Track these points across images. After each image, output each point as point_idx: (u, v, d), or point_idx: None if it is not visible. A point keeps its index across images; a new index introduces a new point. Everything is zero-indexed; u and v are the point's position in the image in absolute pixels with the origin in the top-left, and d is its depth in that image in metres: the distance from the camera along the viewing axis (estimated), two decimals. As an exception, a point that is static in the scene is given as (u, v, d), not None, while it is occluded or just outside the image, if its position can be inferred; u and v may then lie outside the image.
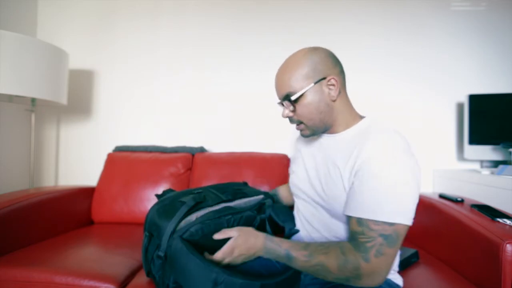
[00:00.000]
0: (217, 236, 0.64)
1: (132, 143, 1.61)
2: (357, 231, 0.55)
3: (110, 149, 1.57)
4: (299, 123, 0.68)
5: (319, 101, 0.64)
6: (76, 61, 1.65)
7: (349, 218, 0.58)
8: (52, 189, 1.24)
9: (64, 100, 1.40)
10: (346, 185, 0.60)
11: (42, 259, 0.89)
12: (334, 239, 0.66)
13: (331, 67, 0.64)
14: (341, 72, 0.66)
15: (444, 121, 1.50)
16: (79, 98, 1.66)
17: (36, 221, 1.08)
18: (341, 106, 0.66)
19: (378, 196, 0.54)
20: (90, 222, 1.36)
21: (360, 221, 0.55)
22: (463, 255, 0.86)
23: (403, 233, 0.54)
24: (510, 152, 1.25)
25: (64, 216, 1.22)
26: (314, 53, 0.64)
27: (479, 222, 0.82)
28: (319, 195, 0.68)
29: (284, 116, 0.67)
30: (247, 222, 0.72)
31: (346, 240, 0.61)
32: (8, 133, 1.52)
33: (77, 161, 1.67)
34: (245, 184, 0.93)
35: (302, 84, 0.63)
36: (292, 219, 0.79)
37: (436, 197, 1.13)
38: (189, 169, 1.41)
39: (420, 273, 0.87)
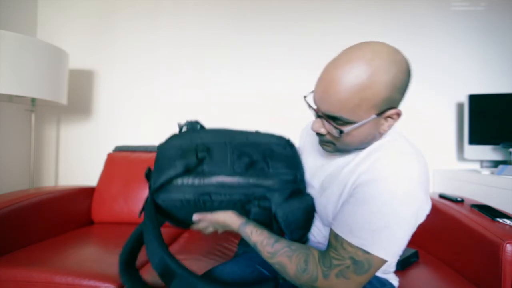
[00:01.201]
0: (195, 217, 0.63)
1: (132, 143, 1.61)
2: (332, 244, 0.51)
3: (110, 149, 1.57)
4: (330, 142, 0.55)
5: (368, 134, 0.51)
6: (76, 61, 1.65)
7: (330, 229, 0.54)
8: (52, 189, 1.24)
9: (64, 100, 1.40)
10: (344, 197, 0.55)
11: (42, 259, 0.89)
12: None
13: (402, 95, 0.49)
14: None
15: (444, 121, 1.50)
16: (79, 98, 1.66)
17: (36, 221, 1.08)
18: (383, 134, 0.55)
19: (364, 222, 0.48)
20: (90, 222, 1.36)
21: (337, 236, 0.50)
22: (463, 255, 0.86)
23: (378, 265, 0.48)
24: (510, 152, 1.25)
25: (64, 216, 1.22)
26: (397, 68, 0.46)
27: (479, 222, 0.82)
28: (314, 197, 0.65)
29: (315, 131, 0.54)
30: (233, 206, 0.60)
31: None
32: (8, 133, 1.52)
33: (77, 161, 1.67)
34: (289, 145, 0.68)
35: (363, 115, 0.48)
36: (304, 232, 0.66)
37: (436, 197, 1.13)
38: (189, 169, 1.41)
39: (420, 273, 0.87)
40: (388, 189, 0.47)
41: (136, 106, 1.64)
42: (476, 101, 1.34)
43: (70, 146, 1.68)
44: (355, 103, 0.46)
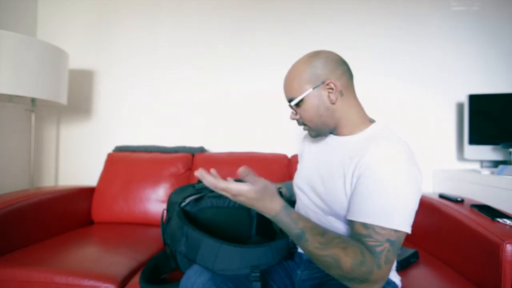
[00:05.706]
0: (241, 168, 0.52)
1: (132, 143, 1.61)
2: (363, 233, 0.54)
3: (110, 149, 1.57)
4: (304, 124, 0.70)
5: (318, 106, 0.65)
6: (76, 61, 1.65)
7: (351, 222, 0.57)
8: (52, 189, 1.24)
9: (64, 100, 1.40)
10: (348, 189, 0.59)
11: (42, 259, 0.89)
12: None
13: (331, 71, 0.64)
14: (344, 74, 0.65)
15: (444, 121, 1.50)
16: (79, 98, 1.66)
17: (36, 221, 1.08)
18: (344, 108, 0.65)
19: (385, 203, 0.53)
20: (90, 222, 1.36)
21: (366, 225, 0.54)
22: (463, 255, 0.86)
23: (403, 240, 0.55)
24: (510, 152, 1.25)
25: (64, 216, 1.22)
26: (316, 58, 0.65)
27: (479, 222, 0.82)
28: (318, 195, 0.68)
29: (291, 119, 0.72)
30: (243, 207, 0.81)
31: None
32: (8, 133, 1.52)
33: (77, 161, 1.67)
34: None
35: (301, 90, 0.65)
36: None
37: (436, 197, 1.13)
38: (189, 169, 1.41)
39: (420, 273, 0.87)
40: (388, 168, 0.55)
41: (136, 106, 1.64)
42: (476, 101, 1.34)
43: (70, 146, 1.67)
44: (295, 85, 0.66)
